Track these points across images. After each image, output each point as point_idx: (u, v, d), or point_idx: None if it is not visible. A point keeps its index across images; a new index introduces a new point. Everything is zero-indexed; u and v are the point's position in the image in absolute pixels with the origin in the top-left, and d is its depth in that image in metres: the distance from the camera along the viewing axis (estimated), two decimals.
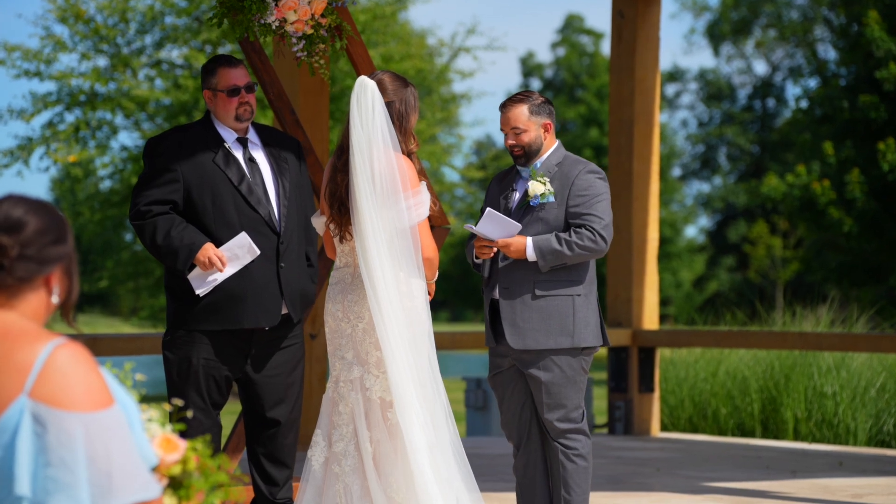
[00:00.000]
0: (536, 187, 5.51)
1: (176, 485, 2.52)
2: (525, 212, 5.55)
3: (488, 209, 5.51)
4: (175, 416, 2.73)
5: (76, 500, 2.34)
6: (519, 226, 5.48)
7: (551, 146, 5.63)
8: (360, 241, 5.08)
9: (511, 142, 5.58)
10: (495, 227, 5.47)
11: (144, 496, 2.39)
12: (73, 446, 2.35)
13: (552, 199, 5.51)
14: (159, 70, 18.11)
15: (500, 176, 5.80)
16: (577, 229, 5.47)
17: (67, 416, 2.36)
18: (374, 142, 5.09)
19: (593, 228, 5.46)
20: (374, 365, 5.11)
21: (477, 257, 5.62)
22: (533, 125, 5.57)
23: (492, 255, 5.55)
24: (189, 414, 2.52)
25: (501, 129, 5.64)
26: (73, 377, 2.38)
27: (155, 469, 2.50)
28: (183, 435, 4.80)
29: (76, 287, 2.57)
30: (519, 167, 5.65)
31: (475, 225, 5.54)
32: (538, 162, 5.60)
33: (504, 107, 5.61)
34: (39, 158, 17.41)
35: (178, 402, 2.81)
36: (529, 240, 5.47)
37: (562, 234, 5.46)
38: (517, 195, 5.62)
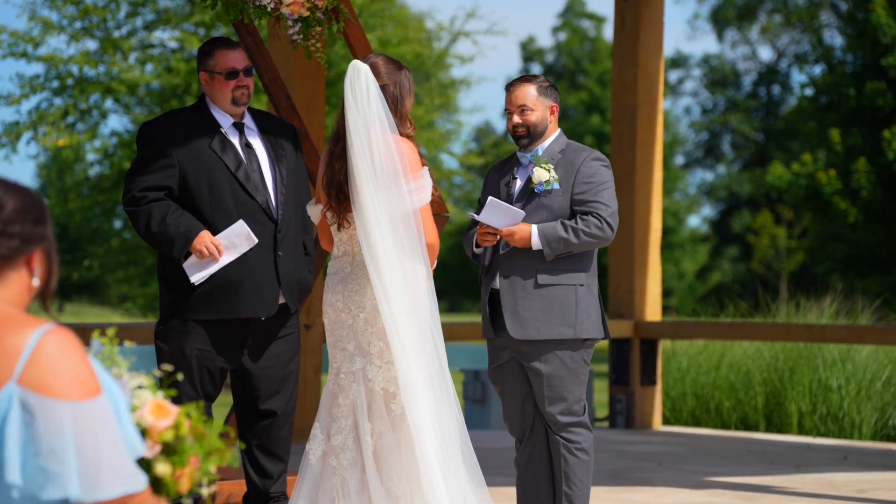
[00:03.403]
0: (541, 174, 5.41)
1: (169, 451, 2.49)
2: (528, 199, 5.46)
3: (490, 198, 5.41)
4: (166, 383, 2.69)
5: (66, 490, 2.31)
6: (522, 213, 5.38)
7: (554, 132, 5.55)
8: (363, 227, 4.98)
9: (517, 120, 5.48)
10: (498, 215, 5.36)
11: (131, 488, 2.35)
12: (61, 435, 2.32)
13: (557, 185, 5.43)
14: (147, 55, 17.86)
15: (499, 165, 5.70)
16: (584, 216, 5.39)
17: (56, 404, 2.32)
18: (371, 125, 5.01)
19: (600, 216, 5.38)
20: (377, 355, 5.01)
21: (477, 246, 5.50)
22: (540, 105, 5.50)
23: (495, 242, 5.44)
24: (180, 377, 2.50)
25: (506, 109, 5.55)
26: (62, 364, 2.35)
27: (147, 435, 2.47)
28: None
29: (56, 273, 2.54)
30: (519, 154, 5.54)
31: (477, 214, 5.41)
32: (539, 148, 5.51)
33: (511, 86, 5.54)
34: (27, 143, 17.19)
35: (168, 367, 2.74)
36: (534, 227, 5.37)
37: (567, 222, 5.38)
38: (519, 182, 5.51)
